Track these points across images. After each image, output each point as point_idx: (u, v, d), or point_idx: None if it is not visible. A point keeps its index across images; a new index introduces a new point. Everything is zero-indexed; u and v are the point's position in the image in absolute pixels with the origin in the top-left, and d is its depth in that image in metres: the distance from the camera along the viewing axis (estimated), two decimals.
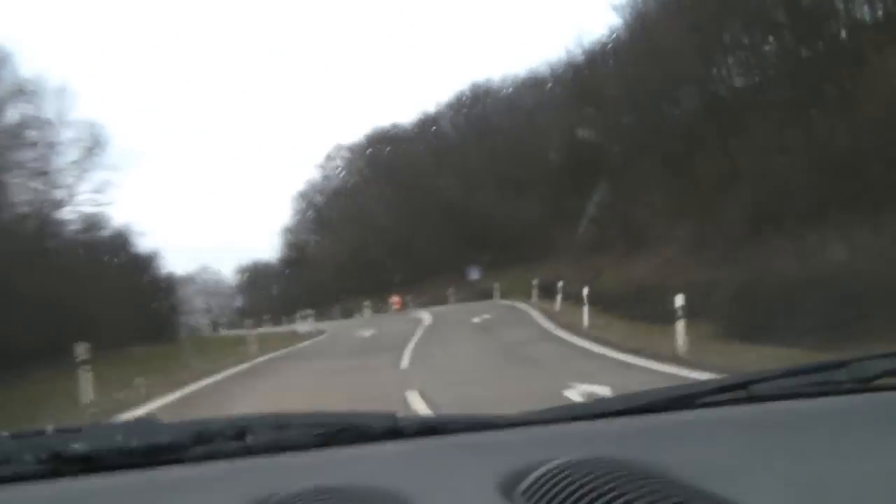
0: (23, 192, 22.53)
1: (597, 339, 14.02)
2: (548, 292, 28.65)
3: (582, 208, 39.09)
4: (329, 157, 68.44)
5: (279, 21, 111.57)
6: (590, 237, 38.48)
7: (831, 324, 10.58)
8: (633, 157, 34.37)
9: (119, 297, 24.77)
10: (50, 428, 1.42)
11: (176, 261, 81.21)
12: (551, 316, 21.53)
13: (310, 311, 37.66)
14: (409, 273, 50.68)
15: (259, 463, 1.36)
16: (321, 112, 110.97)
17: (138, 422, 1.55)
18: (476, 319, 24.08)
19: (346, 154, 67.13)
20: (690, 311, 14.77)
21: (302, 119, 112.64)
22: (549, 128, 48.65)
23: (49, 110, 23.37)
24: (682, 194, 28.82)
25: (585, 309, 17.91)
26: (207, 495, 1.23)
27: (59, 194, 23.29)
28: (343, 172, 68.00)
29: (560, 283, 23.83)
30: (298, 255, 69.38)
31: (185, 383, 14.82)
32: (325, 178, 69.60)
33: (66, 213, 23.93)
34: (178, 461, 1.37)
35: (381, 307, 45.70)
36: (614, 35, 37.76)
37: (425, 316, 30.28)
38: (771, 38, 27.49)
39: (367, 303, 46.27)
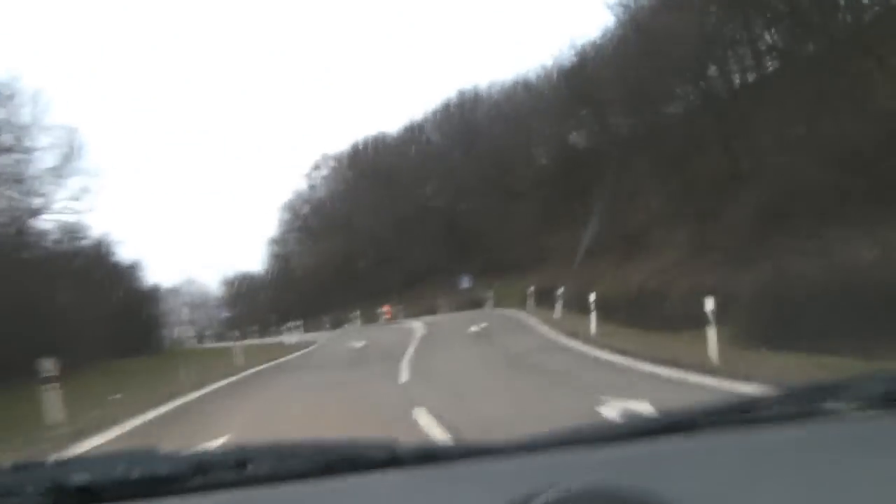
0: None
1: (612, 348, 12.95)
2: (543, 300, 27.79)
3: (574, 213, 38.51)
4: (315, 167, 67.91)
5: (265, 32, 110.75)
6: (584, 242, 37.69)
7: (870, 328, 9.77)
8: (629, 160, 33.70)
9: (100, 308, 23.77)
10: (51, 459, 1.58)
11: (162, 273, 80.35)
12: (553, 324, 20.52)
13: (298, 323, 36.80)
14: (399, 282, 50.13)
15: (259, 493, 1.39)
16: (308, 122, 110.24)
17: (138, 452, 1.55)
18: (473, 328, 23.04)
19: (332, 163, 66.67)
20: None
21: (289, 129, 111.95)
22: (539, 133, 48.38)
23: (24, 114, 22.30)
24: (680, 197, 28.14)
25: (593, 316, 16.91)
26: None
27: (35, 202, 22.16)
28: (329, 182, 67.28)
29: (560, 290, 22.90)
30: (285, 265, 69.02)
31: (166, 399, 13.72)
32: (312, 187, 69.14)
33: (44, 222, 22.82)
34: (179, 492, 1.39)
35: (370, 317, 44.85)
36: (608, 35, 37.08)
37: (418, 326, 29.21)
38: (773, 31, 26.78)
39: (356, 313, 45.39)
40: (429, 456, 1.50)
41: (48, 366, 11.33)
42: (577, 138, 46.73)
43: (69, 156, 22.46)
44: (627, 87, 32.57)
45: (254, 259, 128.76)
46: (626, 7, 32.92)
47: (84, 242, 25.86)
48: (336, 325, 47.72)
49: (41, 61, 78.60)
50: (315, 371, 17.35)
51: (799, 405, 1.58)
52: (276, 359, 23.06)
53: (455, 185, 54.44)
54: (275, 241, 72.02)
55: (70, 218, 23.48)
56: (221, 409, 11.95)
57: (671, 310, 19.41)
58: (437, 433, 7.00)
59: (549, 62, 53.81)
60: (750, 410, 1.57)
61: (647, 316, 19.24)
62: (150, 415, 11.99)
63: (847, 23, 22.73)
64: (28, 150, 22.02)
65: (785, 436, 1.48)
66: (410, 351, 18.27)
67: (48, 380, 11.29)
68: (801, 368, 8.55)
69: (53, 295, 20.20)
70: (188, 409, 12.63)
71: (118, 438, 9.84)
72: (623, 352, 12.39)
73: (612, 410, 7.06)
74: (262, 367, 20.74)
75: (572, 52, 42.11)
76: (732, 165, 25.99)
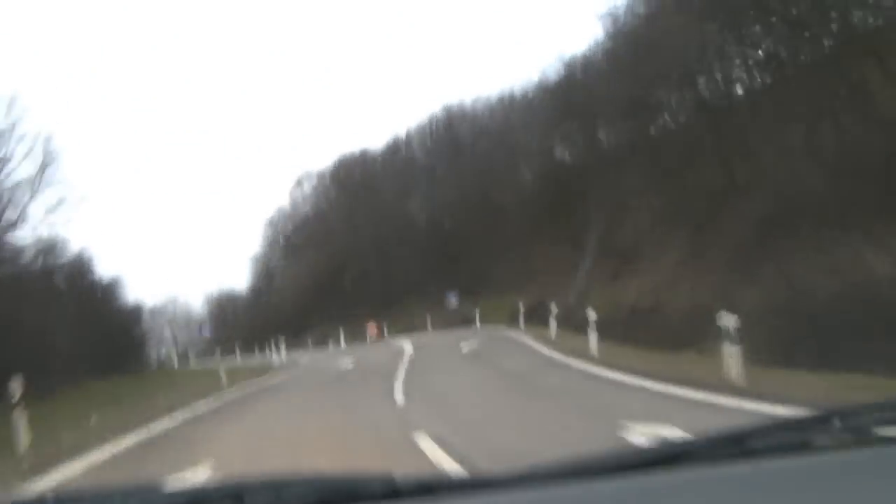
0: None
1: (618, 367, 12.20)
2: (532, 317, 27.18)
3: (560, 229, 38.04)
4: (297, 183, 67.28)
5: (248, 51, 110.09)
6: (573, 260, 37.28)
7: (893, 345, 9.22)
8: (618, 174, 33.24)
9: (79, 327, 22.91)
10: (50, 494, 1.60)
11: (145, 292, 79.35)
12: (548, 342, 19.81)
13: (282, 341, 36.02)
14: (383, 300, 49.58)
15: None
16: (293, 138, 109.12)
17: (134, 487, 1.52)
18: (465, 347, 22.30)
19: (315, 180, 66.17)
20: (714, 335, 13.23)
21: (273, 145, 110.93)
22: (525, 147, 48.25)
23: None
24: (673, 211, 27.65)
25: (593, 334, 16.21)
26: None
27: (10, 215, 21.23)
28: (312, 198, 66.79)
29: (553, 307, 22.25)
30: (268, 283, 68.15)
31: (146, 422, 12.89)
32: (294, 204, 68.45)
33: (19, 237, 21.91)
34: None
35: (355, 335, 44.15)
36: (597, 47, 36.71)
37: (406, 344, 28.43)
38: (769, 39, 26.39)
39: (342, 330, 44.69)
40: (429, 488, 1.48)
41: (15, 388, 10.47)
42: (563, 153, 46.46)
43: (45, 165, 21.58)
44: (617, 98, 32.18)
45: (238, 277, 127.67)
46: (615, 17, 32.48)
47: (62, 258, 25.04)
48: (320, 343, 47.00)
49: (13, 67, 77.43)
50: (303, 393, 16.52)
51: (792, 436, 1.57)
52: (260, 378, 22.22)
53: (439, 202, 54.38)
54: (258, 259, 71.51)
55: (47, 231, 22.65)
56: (203, 435, 11.14)
57: (669, 327, 18.85)
58: (443, 459, 6.31)
59: (535, 77, 53.70)
60: (744, 441, 1.55)
61: (644, 333, 18.67)
62: (125, 442, 11.10)
63: (845, 29, 22.36)
64: (3, 161, 21.18)
65: (779, 467, 1.46)
66: (402, 372, 17.49)
67: (16, 404, 10.45)
68: (833, 389, 7.91)
69: (30, 313, 19.33)
70: (167, 435, 11.81)
71: (85, 473, 8.83)
72: (631, 370, 11.68)
73: (637, 437, 6.37)
74: (246, 387, 19.90)
75: (560, 65, 41.67)
76: (728, 177, 25.54)
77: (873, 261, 13.67)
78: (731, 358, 9.43)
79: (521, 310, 28.41)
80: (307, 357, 32.58)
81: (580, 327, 20.69)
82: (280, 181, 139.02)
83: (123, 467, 8.81)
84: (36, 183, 21.29)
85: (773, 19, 24.81)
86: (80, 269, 26.57)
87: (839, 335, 10.99)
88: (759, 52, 27.18)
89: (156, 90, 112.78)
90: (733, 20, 26.05)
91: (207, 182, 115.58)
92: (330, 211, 63.70)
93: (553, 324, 21.69)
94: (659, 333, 18.08)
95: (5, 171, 21.20)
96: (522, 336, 23.33)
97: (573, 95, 39.98)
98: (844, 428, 1.54)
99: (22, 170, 21.44)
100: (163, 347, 53.68)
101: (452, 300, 43.54)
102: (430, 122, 57.78)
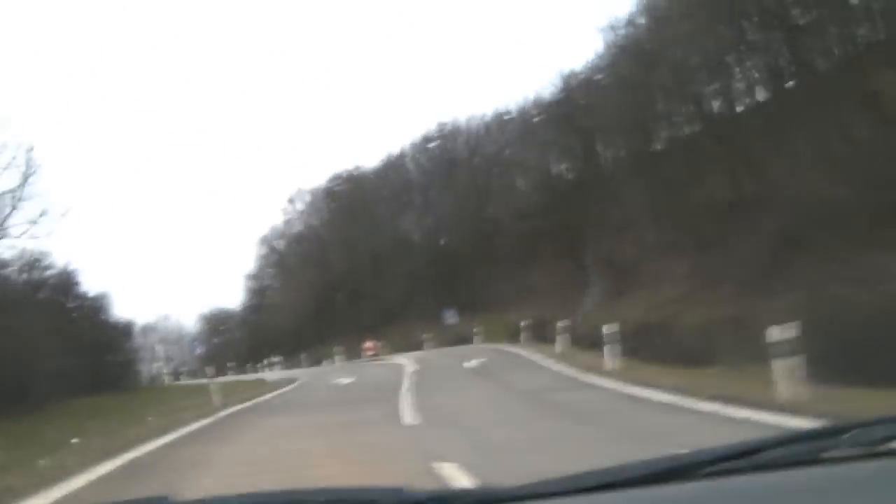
0: None
1: (645, 384, 11.24)
2: (534, 334, 26.42)
3: (557, 246, 37.44)
4: (290, 201, 66.60)
5: (244, 67, 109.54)
6: (572, 276, 36.61)
7: None
8: (617, 191, 32.63)
9: (66, 343, 21.97)
10: None
11: (138, 310, 78.46)
12: (558, 358, 18.89)
13: (277, 359, 35.13)
14: (379, 318, 48.97)
15: None
16: (286, 156, 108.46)
17: (145, 500, 1.59)
18: (468, 364, 21.37)
19: (309, 197, 65.53)
20: (739, 351, 12.48)
21: (266, 164, 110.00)
22: (522, 164, 48.03)
23: None
24: (676, 227, 26.96)
25: (607, 349, 15.30)
26: None
27: None
28: (305, 216, 66.21)
29: (561, 323, 21.41)
30: (261, 301, 67.73)
31: (131, 445, 11.89)
32: (287, 222, 67.81)
33: (1, 249, 20.93)
34: None
35: (351, 353, 43.31)
36: (596, 62, 36.33)
37: (405, 361, 27.48)
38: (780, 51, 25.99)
39: (337, 348, 43.87)
40: (443, 501, 1.49)
41: None
42: (561, 169, 46.07)
43: (27, 175, 20.58)
44: (618, 112, 31.65)
45: (232, 295, 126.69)
46: (616, 30, 31.97)
47: (47, 272, 24.09)
48: (314, 361, 46.22)
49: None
50: (302, 411, 15.46)
51: (805, 448, 1.55)
52: (256, 397, 21.22)
53: (434, 219, 54.29)
54: (252, 277, 70.73)
55: (29, 244, 21.70)
56: (193, 459, 10.14)
57: (682, 342, 18.14)
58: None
59: (531, 93, 53.49)
60: (756, 454, 1.53)
61: (656, 349, 17.93)
62: (110, 465, 10.06)
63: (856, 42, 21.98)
64: None
65: (792, 480, 1.46)
66: (405, 390, 16.54)
67: None
68: None
69: (12, 327, 18.39)
70: (155, 458, 10.82)
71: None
72: (661, 387, 10.75)
73: None
74: (241, 406, 18.92)
75: (558, 81, 41.24)
76: (736, 190, 24.89)
77: None
78: (783, 374, 8.50)
79: (523, 325, 27.52)
80: (304, 374, 31.61)
81: (585, 343, 19.89)
82: (274, 199, 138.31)
83: (104, 496, 7.84)
84: (17, 194, 20.32)
85: (779, 28, 24.44)
86: (65, 283, 25.65)
87: (885, 347, 10.27)
88: (767, 61, 26.74)
89: (152, 104, 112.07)
90: (740, 28, 25.53)
91: (201, 200, 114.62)
92: (324, 228, 63.33)
93: (560, 339, 20.85)
94: (672, 349, 17.39)
95: None
96: (528, 353, 22.41)
97: (572, 110, 39.58)
98: (858, 440, 1.52)
99: (2, 181, 20.49)
100: (155, 365, 52.78)
101: (451, 317, 42.86)
102: (425, 138, 57.25)
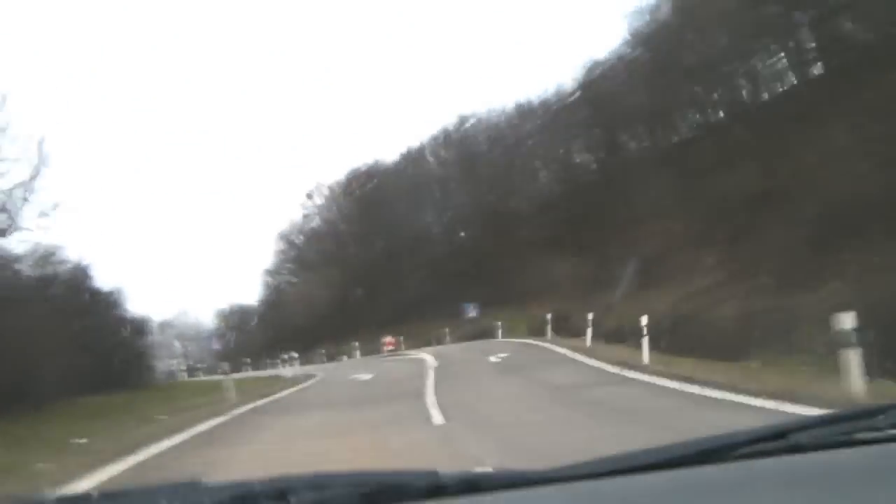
0: None
1: (689, 380, 10.41)
2: (558, 328, 25.75)
3: (580, 239, 36.63)
4: (309, 196, 66.00)
5: (260, 61, 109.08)
6: (595, 270, 35.80)
7: None
8: (643, 181, 31.70)
9: (78, 339, 21.37)
10: (95, 492, 1.56)
11: (155, 306, 78.15)
12: (587, 352, 18.12)
13: (294, 354, 34.49)
14: (398, 313, 48.56)
15: None
16: (303, 151, 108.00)
17: (180, 485, 1.51)
18: (493, 359, 20.59)
19: (327, 192, 64.97)
20: (778, 344, 11.60)
21: (284, 159, 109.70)
22: (543, 156, 47.35)
23: None
24: (706, 218, 26.12)
25: (645, 342, 14.44)
26: None
27: (2, 220, 19.61)
28: (324, 210, 65.60)
29: (590, 316, 20.60)
30: (279, 297, 67.31)
31: (142, 444, 11.14)
32: (306, 217, 67.35)
33: (12, 243, 20.32)
34: None
35: (369, 349, 42.67)
36: (620, 51, 35.49)
37: (427, 356, 26.73)
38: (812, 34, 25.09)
39: (355, 344, 43.29)
40: (472, 485, 1.48)
41: None
42: (583, 160, 45.37)
43: (38, 167, 19.93)
44: (642, 101, 30.83)
45: (250, 291, 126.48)
46: (642, 14, 31.09)
47: (59, 266, 23.47)
48: (332, 356, 45.86)
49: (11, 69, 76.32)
50: (322, 409, 14.61)
51: (837, 431, 1.54)
52: (273, 394, 20.49)
53: (454, 212, 53.82)
54: (270, 272, 70.23)
55: (40, 237, 21.10)
56: (207, 461, 9.35)
57: (715, 336, 17.38)
58: None
59: (553, 83, 52.72)
60: (788, 436, 1.52)
61: (685, 343, 17.19)
62: (113, 469, 9.29)
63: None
64: None
65: (824, 461, 1.44)
66: (430, 385, 15.74)
67: None
68: None
69: (23, 325, 17.76)
70: (162, 461, 10.01)
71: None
72: (708, 383, 9.92)
73: None
74: (258, 403, 18.18)
75: (581, 70, 40.46)
76: (769, 179, 23.96)
77: None
78: (854, 366, 7.65)
79: (549, 318, 26.78)
80: (322, 370, 30.93)
81: (612, 337, 19.31)
82: (292, 194, 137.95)
83: None
84: (29, 186, 19.68)
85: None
86: (78, 278, 25.05)
87: None
88: (802, 44, 25.79)
89: (172, 99, 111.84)
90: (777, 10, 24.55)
91: (219, 196, 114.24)
92: (342, 223, 62.93)
93: (589, 332, 20.06)
94: (703, 342, 16.67)
95: None
96: (554, 347, 21.63)
97: (595, 100, 38.82)
98: (889, 423, 1.50)
99: (15, 174, 19.86)
100: (172, 361, 52.39)
101: (472, 312, 42.26)
102: (444, 132, 56.66)
